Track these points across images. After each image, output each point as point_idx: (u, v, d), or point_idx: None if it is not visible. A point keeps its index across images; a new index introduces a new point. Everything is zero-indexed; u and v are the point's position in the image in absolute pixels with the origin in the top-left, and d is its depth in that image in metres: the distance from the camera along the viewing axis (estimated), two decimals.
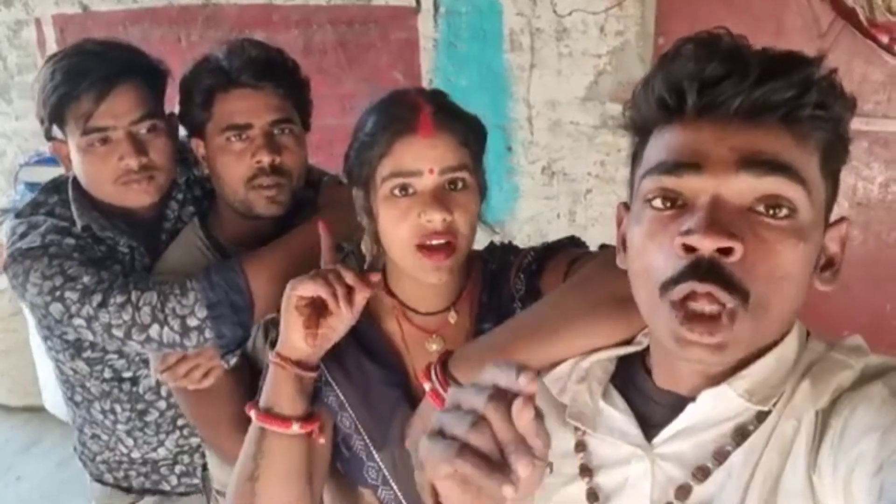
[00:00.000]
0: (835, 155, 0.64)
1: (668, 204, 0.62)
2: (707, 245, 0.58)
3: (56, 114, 1.23)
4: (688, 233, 0.59)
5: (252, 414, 0.93)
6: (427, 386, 0.87)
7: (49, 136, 1.29)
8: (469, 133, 0.94)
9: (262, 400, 0.93)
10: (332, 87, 2.69)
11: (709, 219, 0.58)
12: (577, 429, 0.75)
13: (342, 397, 0.99)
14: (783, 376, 0.65)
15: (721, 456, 0.65)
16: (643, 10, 2.33)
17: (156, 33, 2.80)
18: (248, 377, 1.27)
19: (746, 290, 0.59)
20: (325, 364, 0.98)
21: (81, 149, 1.24)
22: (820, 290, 0.66)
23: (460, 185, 0.92)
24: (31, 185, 2.41)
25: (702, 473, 0.65)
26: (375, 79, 2.64)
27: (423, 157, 0.89)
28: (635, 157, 0.70)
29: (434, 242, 0.90)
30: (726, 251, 0.58)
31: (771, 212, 0.60)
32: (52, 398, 3.15)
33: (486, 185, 1.00)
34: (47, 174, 1.69)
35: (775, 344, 0.66)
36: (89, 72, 1.21)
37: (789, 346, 0.67)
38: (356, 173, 0.95)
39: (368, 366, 0.99)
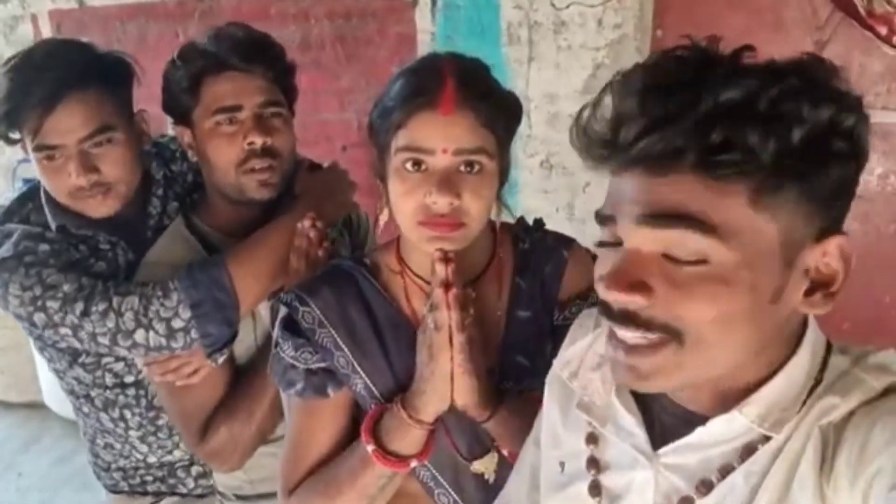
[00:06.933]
0: (778, 184, 0.55)
1: (612, 241, 0.63)
2: (610, 298, 0.60)
3: (8, 127, 1.20)
4: (600, 279, 0.61)
5: (378, 459, 0.93)
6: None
7: (7, 139, 1.23)
8: (497, 113, 0.89)
9: (389, 446, 0.93)
10: (330, 82, 2.68)
11: (614, 270, 0.60)
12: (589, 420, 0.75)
13: (372, 387, 0.97)
14: (794, 398, 0.63)
15: (725, 471, 0.64)
16: (641, 2, 2.32)
17: (153, 29, 2.79)
18: (232, 372, 1.27)
19: (675, 328, 0.58)
20: (352, 353, 0.97)
21: (36, 160, 1.20)
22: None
23: (476, 167, 0.87)
24: (29, 182, 2.39)
25: (705, 487, 0.65)
26: (373, 73, 2.64)
27: (439, 136, 0.85)
28: None
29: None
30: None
31: (681, 259, 0.58)
32: (52, 394, 3.16)
33: (510, 166, 0.97)
34: None
35: (784, 364, 0.63)
36: (34, 88, 1.15)
37: (799, 365, 0.63)
38: (375, 133, 0.93)
39: (395, 357, 0.97)
